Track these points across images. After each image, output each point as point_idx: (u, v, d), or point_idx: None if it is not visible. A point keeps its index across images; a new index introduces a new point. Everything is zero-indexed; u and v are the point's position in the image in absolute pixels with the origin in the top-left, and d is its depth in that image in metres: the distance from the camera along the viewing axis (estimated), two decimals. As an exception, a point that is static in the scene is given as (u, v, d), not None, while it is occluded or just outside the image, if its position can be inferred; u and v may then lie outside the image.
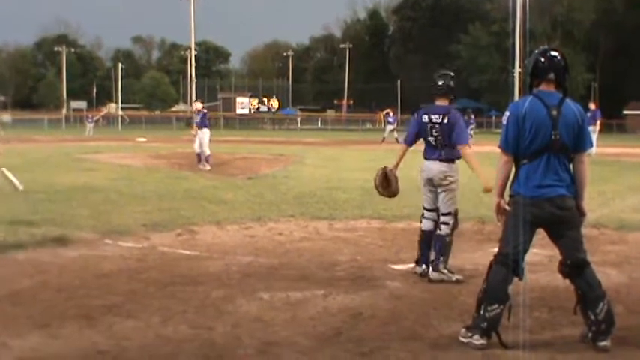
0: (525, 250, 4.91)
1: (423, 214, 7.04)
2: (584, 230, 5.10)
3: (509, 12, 49.26)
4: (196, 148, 20.40)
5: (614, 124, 60.64)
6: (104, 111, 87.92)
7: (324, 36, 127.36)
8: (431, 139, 6.89)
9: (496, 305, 4.78)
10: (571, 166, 4.90)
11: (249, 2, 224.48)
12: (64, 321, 5.32)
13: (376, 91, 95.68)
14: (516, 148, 4.87)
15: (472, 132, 45.43)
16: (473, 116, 40.84)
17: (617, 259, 7.74)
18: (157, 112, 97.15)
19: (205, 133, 20.19)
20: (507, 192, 5.00)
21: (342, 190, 14.08)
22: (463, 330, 4.91)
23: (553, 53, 5.02)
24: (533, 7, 55.08)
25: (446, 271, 6.71)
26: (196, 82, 73.43)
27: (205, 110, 21.58)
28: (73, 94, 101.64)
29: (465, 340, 4.84)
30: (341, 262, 7.53)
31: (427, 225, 6.95)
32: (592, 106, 27.97)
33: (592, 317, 4.80)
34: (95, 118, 61.90)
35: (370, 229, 9.83)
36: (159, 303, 5.85)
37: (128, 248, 8.17)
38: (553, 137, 4.78)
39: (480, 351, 4.72)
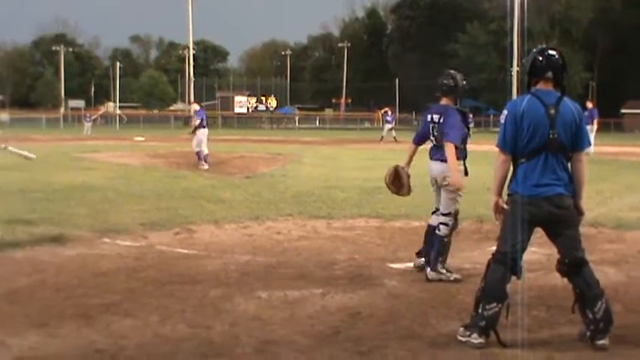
0: (523, 249, 4.91)
1: (434, 210, 7.04)
2: (582, 229, 5.10)
3: (507, 11, 49.37)
4: (195, 147, 20.45)
5: (611, 123, 60.68)
6: (102, 110, 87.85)
7: (323, 35, 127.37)
8: (432, 138, 6.92)
9: (494, 304, 4.78)
10: (569, 164, 4.91)
11: (247, 1, 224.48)
12: (62, 320, 5.31)
13: (374, 90, 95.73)
14: (514, 147, 4.87)
15: (471, 131, 45.53)
16: (471, 115, 40.71)
17: (615, 258, 7.74)
18: (155, 111, 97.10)
19: (203, 133, 20.23)
20: (505, 191, 5.00)
21: (340, 189, 14.08)
22: (461, 329, 4.91)
23: (551, 52, 5.02)
24: (531, 5, 55.08)
25: (444, 270, 6.71)
26: (194, 81, 73.41)
27: (203, 110, 21.68)
28: (70, 93, 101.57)
29: (463, 339, 4.84)
30: (339, 261, 7.53)
31: (434, 220, 6.97)
32: (589, 105, 28.00)
33: (590, 316, 4.80)
34: (93, 117, 61.90)
35: (368, 227, 9.83)
36: (157, 302, 5.85)
37: (126, 247, 8.17)
38: (551, 136, 4.79)
39: (478, 350, 4.72)
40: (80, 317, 5.37)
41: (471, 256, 7.58)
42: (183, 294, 6.10)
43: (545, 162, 4.80)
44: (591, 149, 20.53)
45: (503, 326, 4.83)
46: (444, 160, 6.71)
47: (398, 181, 7.19)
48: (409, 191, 7.19)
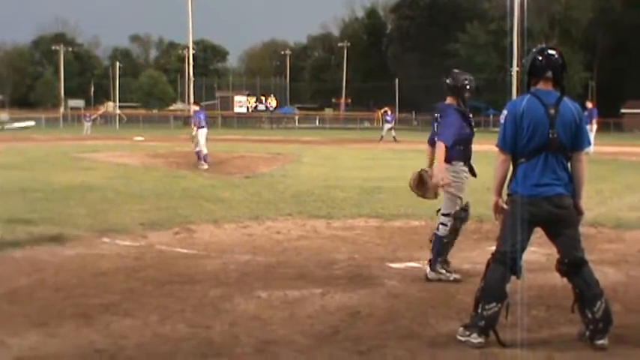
0: (523, 249, 4.91)
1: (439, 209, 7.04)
2: (582, 229, 5.10)
3: (507, 11, 49.38)
4: (194, 147, 20.53)
5: (611, 122, 60.69)
6: (102, 110, 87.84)
7: (322, 35, 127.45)
8: (436, 137, 6.91)
9: (494, 304, 4.78)
10: (569, 164, 4.91)
11: (247, 1, 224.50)
12: (61, 320, 5.31)
13: (374, 90, 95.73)
14: (514, 147, 4.87)
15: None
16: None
17: (614, 258, 7.75)
18: (155, 111, 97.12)
19: (201, 133, 20.30)
20: (505, 190, 5.00)
21: (339, 189, 14.08)
22: (461, 329, 4.91)
23: (551, 52, 5.03)
24: (531, 5, 55.09)
25: (443, 270, 6.71)
26: (194, 81, 73.46)
27: (202, 111, 21.79)
28: (70, 93, 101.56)
29: (462, 338, 4.84)
30: (339, 261, 7.53)
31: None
32: (589, 104, 28.02)
33: (590, 316, 4.80)
34: (93, 117, 61.89)
35: (368, 227, 9.83)
36: (156, 302, 5.84)
37: (125, 247, 8.17)
38: (551, 136, 4.79)
39: (477, 349, 4.72)
40: (80, 317, 5.37)
41: (471, 255, 7.58)
42: (183, 294, 6.10)
43: (544, 162, 4.81)
44: (591, 149, 20.56)
45: (503, 326, 4.83)
46: (446, 161, 6.69)
47: (422, 185, 7.12)
48: (435, 195, 7.08)
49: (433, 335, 5.06)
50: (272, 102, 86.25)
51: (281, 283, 6.53)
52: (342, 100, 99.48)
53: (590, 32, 77.15)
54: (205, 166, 19.72)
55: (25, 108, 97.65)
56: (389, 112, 42.28)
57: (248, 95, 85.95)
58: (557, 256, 4.97)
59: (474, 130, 7.05)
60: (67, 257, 7.57)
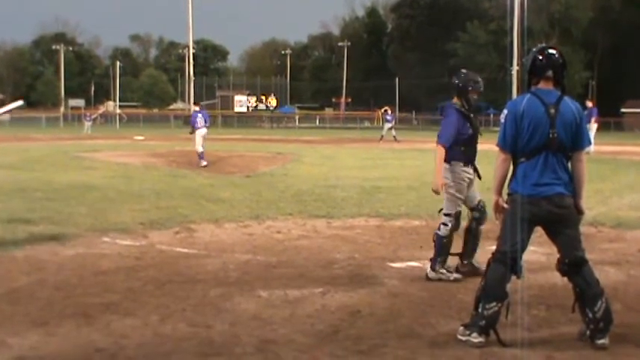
0: (523, 249, 4.91)
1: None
2: (582, 228, 5.10)
3: (507, 10, 49.36)
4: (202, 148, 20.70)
5: (611, 122, 60.72)
6: (102, 109, 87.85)
7: (323, 34, 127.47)
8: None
9: (494, 303, 4.78)
10: (569, 164, 4.91)
11: (247, 1, 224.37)
12: (62, 319, 5.31)
13: (374, 89, 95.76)
14: (514, 146, 4.87)
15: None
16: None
17: (615, 257, 7.75)
18: (155, 111, 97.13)
19: (199, 133, 20.63)
20: (505, 190, 5.00)
21: (340, 188, 14.08)
22: (461, 328, 4.91)
23: (551, 51, 5.03)
24: (531, 5, 55.07)
25: (444, 270, 6.71)
26: (194, 81, 73.42)
27: (203, 111, 22.02)
28: (70, 93, 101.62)
29: (463, 338, 4.84)
30: (339, 260, 7.53)
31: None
32: (589, 104, 28.03)
33: (590, 315, 4.80)
34: (93, 117, 61.89)
35: (368, 227, 9.83)
36: (157, 301, 5.85)
37: (126, 246, 8.17)
38: (551, 135, 4.79)
39: (478, 349, 4.72)
40: (80, 316, 5.38)
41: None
42: (184, 293, 6.10)
43: (545, 161, 4.81)
44: (591, 148, 20.57)
45: (503, 325, 4.84)
46: (446, 161, 6.68)
47: None
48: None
49: (433, 335, 5.06)
50: (272, 101, 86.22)
51: (281, 282, 6.53)
52: (343, 100, 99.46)
53: (590, 31, 77.10)
54: (204, 163, 19.94)
55: (25, 107, 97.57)
56: (389, 112, 42.22)
57: (248, 95, 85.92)
58: (557, 255, 4.97)
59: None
60: (68, 257, 7.57)
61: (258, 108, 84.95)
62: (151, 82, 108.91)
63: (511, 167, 4.96)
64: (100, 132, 50.56)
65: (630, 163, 22.95)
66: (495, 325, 4.80)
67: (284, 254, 7.89)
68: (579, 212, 4.94)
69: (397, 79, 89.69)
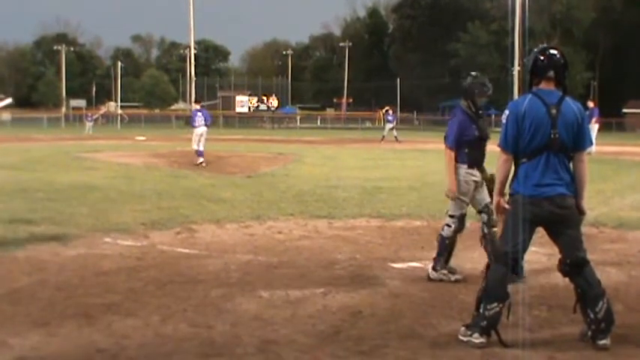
0: (525, 249, 4.91)
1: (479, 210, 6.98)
2: (584, 229, 5.10)
3: (509, 10, 49.35)
4: (199, 146, 20.88)
5: (613, 122, 60.68)
6: (103, 110, 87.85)
7: (324, 34, 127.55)
8: None
9: (495, 304, 4.78)
10: (571, 164, 4.91)
11: (248, 1, 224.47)
12: (63, 320, 5.32)
13: (375, 90, 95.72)
14: (516, 147, 4.87)
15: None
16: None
17: (616, 258, 7.74)
18: (157, 111, 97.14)
19: (196, 131, 20.95)
20: (507, 190, 5.00)
21: (341, 189, 14.08)
22: (462, 329, 4.91)
23: (552, 51, 5.03)
24: (533, 5, 55.06)
25: (445, 271, 6.71)
26: (196, 81, 73.43)
27: (202, 110, 22.25)
28: (72, 93, 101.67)
29: (464, 338, 4.84)
30: (340, 261, 7.53)
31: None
32: (591, 104, 28.03)
33: (592, 316, 4.80)
34: (94, 117, 61.90)
35: (369, 227, 9.83)
36: (158, 301, 5.85)
37: (127, 247, 8.17)
38: (552, 136, 4.78)
39: (479, 349, 4.72)
40: (81, 317, 5.38)
41: (472, 256, 7.57)
42: (185, 294, 6.10)
43: (546, 162, 4.80)
44: (593, 148, 20.58)
45: (505, 326, 4.83)
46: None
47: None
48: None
49: (435, 335, 5.05)
50: (274, 102, 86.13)
51: (283, 282, 6.53)
52: (344, 100, 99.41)
53: (591, 32, 77.06)
54: (199, 160, 20.32)
55: (27, 108, 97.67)
56: (390, 112, 42.20)
57: (250, 95, 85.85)
58: (558, 256, 4.97)
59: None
60: (69, 257, 7.58)
61: (260, 108, 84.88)
62: (152, 82, 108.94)
63: (512, 168, 4.96)
64: (102, 132, 50.56)
65: (632, 164, 22.95)
66: (497, 326, 4.80)
67: (285, 255, 7.88)
68: (581, 213, 4.93)
69: (398, 80, 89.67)
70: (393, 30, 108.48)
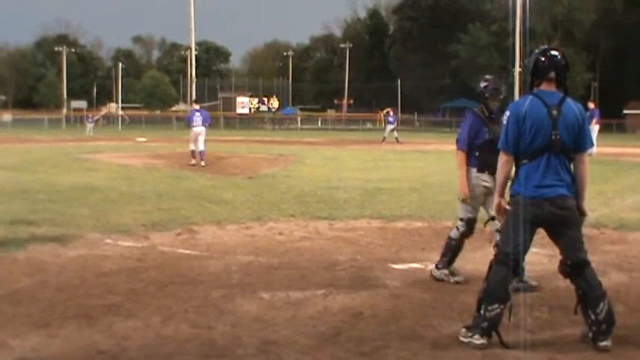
0: (526, 250, 4.90)
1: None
2: (584, 230, 5.09)
3: (510, 12, 49.32)
4: (200, 146, 20.99)
5: (614, 123, 60.65)
6: (104, 111, 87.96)
7: (324, 35, 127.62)
8: None
9: (496, 305, 4.78)
10: (572, 165, 4.90)
11: (249, 2, 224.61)
12: (63, 321, 5.31)
13: (376, 91, 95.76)
14: (516, 148, 4.87)
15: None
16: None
17: (617, 259, 7.75)
18: (157, 112, 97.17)
19: (193, 131, 21.21)
20: (507, 191, 5.00)
21: (342, 190, 14.08)
22: (463, 330, 4.91)
23: (553, 52, 5.02)
24: (533, 6, 55.05)
25: (447, 271, 6.70)
26: (197, 82, 73.33)
27: (201, 110, 22.52)
28: (73, 94, 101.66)
29: (465, 339, 4.84)
30: (341, 262, 7.53)
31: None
32: (591, 105, 28.02)
33: (593, 317, 4.79)
34: (95, 118, 61.98)
35: (370, 228, 9.83)
36: (159, 303, 5.85)
37: (128, 248, 8.17)
38: (553, 137, 4.78)
39: (480, 351, 4.72)
40: (82, 318, 5.38)
41: (474, 257, 7.56)
42: (185, 295, 6.10)
43: (547, 163, 4.80)
44: (594, 150, 20.57)
45: (506, 327, 4.83)
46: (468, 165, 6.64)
47: None
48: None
49: (436, 336, 5.05)
50: (274, 103, 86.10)
51: (283, 284, 6.53)
52: (345, 101, 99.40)
53: (592, 33, 77.01)
54: (192, 162, 20.59)
55: (28, 109, 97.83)
56: (391, 113, 42.18)
57: (250, 96, 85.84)
58: (559, 257, 4.97)
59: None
60: (70, 258, 7.58)
61: (260, 109, 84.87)
62: (153, 83, 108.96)
63: (513, 169, 4.96)
64: (102, 133, 50.60)
65: (633, 165, 22.94)
66: (498, 327, 4.79)
67: (286, 256, 7.88)
68: (582, 214, 4.93)
69: (399, 81, 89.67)
70: (393, 31, 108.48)
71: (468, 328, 4.87)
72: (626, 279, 6.87)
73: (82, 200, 12.18)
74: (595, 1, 77.13)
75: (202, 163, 20.53)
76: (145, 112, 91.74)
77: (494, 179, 6.47)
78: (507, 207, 4.92)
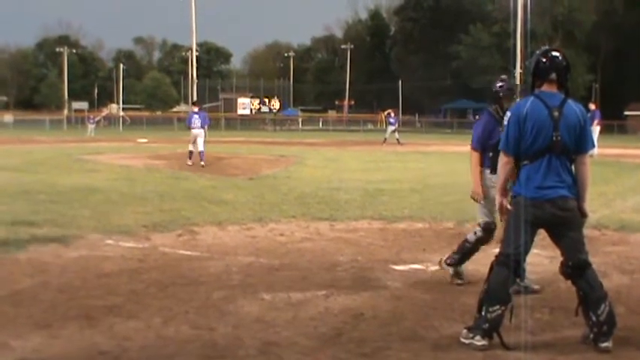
0: (527, 252, 4.90)
1: None
2: (586, 231, 5.09)
3: (511, 13, 49.33)
4: (199, 147, 21.11)
5: (615, 125, 60.59)
6: (105, 112, 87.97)
7: (326, 36, 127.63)
8: None
9: (498, 306, 4.78)
10: (573, 167, 4.90)
11: (250, 3, 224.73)
12: (65, 321, 5.32)
13: (377, 92, 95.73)
14: (517, 149, 4.87)
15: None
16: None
17: (618, 260, 7.74)
18: (158, 113, 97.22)
19: (192, 133, 21.42)
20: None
21: (343, 191, 14.08)
22: (464, 331, 4.90)
23: (554, 53, 5.02)
24: (534, 8, 55.03)
25: (452, 270, 6.66)
26: (198, 83, 73.41)
27: (200, 112, 22.72)
28: (74, 95, 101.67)
29: (466, 341, 4.84)
30: (342, 263, 7.53)
31: None
32: (592, 106, 28.00)
33: (593, 318, 4.79)
34: (96, 119, 61.98)
35: (371, 229, 9.83)
36: (160, 303, 5.85)
37: (129, 249, 8.17)
38: (554, 138, 4.78)
39: (481, 352, 4.72)
40: (83, 319, 5.38)
41: (475, 258, 7.54)
42: (186, 296, 6.11)
43: (548, 164, 4.80)
44: (595, 151, 20.55)
45: (507, 328, 4.83)
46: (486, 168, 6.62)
47: None
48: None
49: (437, 337, 5.05)
50: (275, 104, 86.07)
51: (284, 285, 6.53)
52: (346, 102, 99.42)
53: (593, 34, 76.97)
54: (189, 163, 20.87)
55: (29, 110, 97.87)
56: (392, 115, 42.15)
57: (251, 97, 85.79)
58: (560, 258, 4.96)
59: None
60: (71, 259, 7.58)
61: (261, 110, 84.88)
62: (154, 84, 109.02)
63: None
64: (104, 134, 50.62)
65: (634, 166, 22.93)
66: (499, 328, 4.79)
67: (287, 257, 7.88)
68: (583, 215, 4.93)
69: (400, 82, 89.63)
70: (394, 32, 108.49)
71: (469, 329, 4.87)
72: (627, 280, 6.86)
73: (83, 201, 12.19)
74: (596, 2, 77.14)
75: (202, 163, 20.65)
76: (146, 113, 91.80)
77: None
78: (509, 207, 4.92)
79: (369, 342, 4.91)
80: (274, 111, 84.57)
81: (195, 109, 22.91)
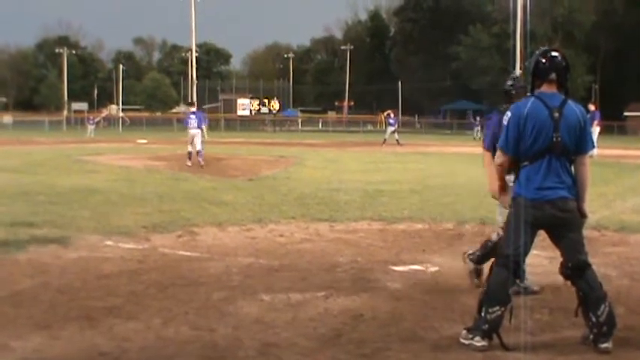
0: (526, 252, 4.91)
1: None
2: (585, 232, 5.10)
3: (510, 13, 49.31)
4: (197, 147, 21.31)
5: (614, 125, 60.63)
6: (105, 112, 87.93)
7: (325, 37, 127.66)
8: None
9: (497, 307, 4.78)
10: (572, 167, 4.91)
11: (250, 4, 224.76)
12: (65, 322, 5.32)
13: (377, 93, 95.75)
14: (516, 149, 4.87)
15: (478, 133, 45.49)
16: (478, 118, 40.49)
17: (618, 261, 7.74)
18: (158, 114, 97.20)
19: (190, 133, 21.61)
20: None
21: (342, 192, 14.07)
22: (464, 332, 4.90)
23: (554, 53, 5.03)
24: (534, 8, 55.01)
25: (472, 267, 6.54)
26: (197, 84, 73.41)
27: (197, 113, 22.91)
28: (74, 96, 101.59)
29: (466, 341, 4.84)
30: (342, 264, 7.53)
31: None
32: (592, 107, 27.99)
33: (593, 319, 4.79)
34: (96, 120, 61.95)
35: (371, 230, 9.83)
36: (160, 304, 5.85)
37: (129, 250, 8.17)
38: (554, 139, 4.78)
39: (480, 353, 4.72)
40: (83, 320, 5.38)
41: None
42: (186, 296, 6.11)
43: (548, 165, 4.80)
44: (595, 151, 20.55)
45: (506, 329, 4.83)
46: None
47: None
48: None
49: (436, 338, 5.05)
50: (275, 105, 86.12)
51: (284, 286, 6.53)
52: (345, 103, 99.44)
53: (593, 35, 76.99)
54: (188, 164, 20.97)
55: (28, 111, 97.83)
56: (392, 115, 42.20)
57: (251, 98, 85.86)
58: (560, 259, 4.96)
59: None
60: (71, 260, 7.58)
61: (261, 111, 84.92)
62: (153, 85, 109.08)
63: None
64: (103, 135, 50.62)
65: (633, 167, 22.95)
66: (498, 329, 4.79)
67: (286, 258, 7.88)
68: (583, 216, 4.93)
69: (400, 83, 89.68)
70: (394, 33, 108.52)
71: (469, 330, 4.87)
72: (626, 281, 6.86)
73: (83, 202, 12.19)
74: (595, 3, 77.16)
75: (201, 163, 20.78)
76: (145, 114, 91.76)
77: None
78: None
79: (369, 343, 4.91)
80: (274, 112, 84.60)
81: (192, 110, 23.11)
